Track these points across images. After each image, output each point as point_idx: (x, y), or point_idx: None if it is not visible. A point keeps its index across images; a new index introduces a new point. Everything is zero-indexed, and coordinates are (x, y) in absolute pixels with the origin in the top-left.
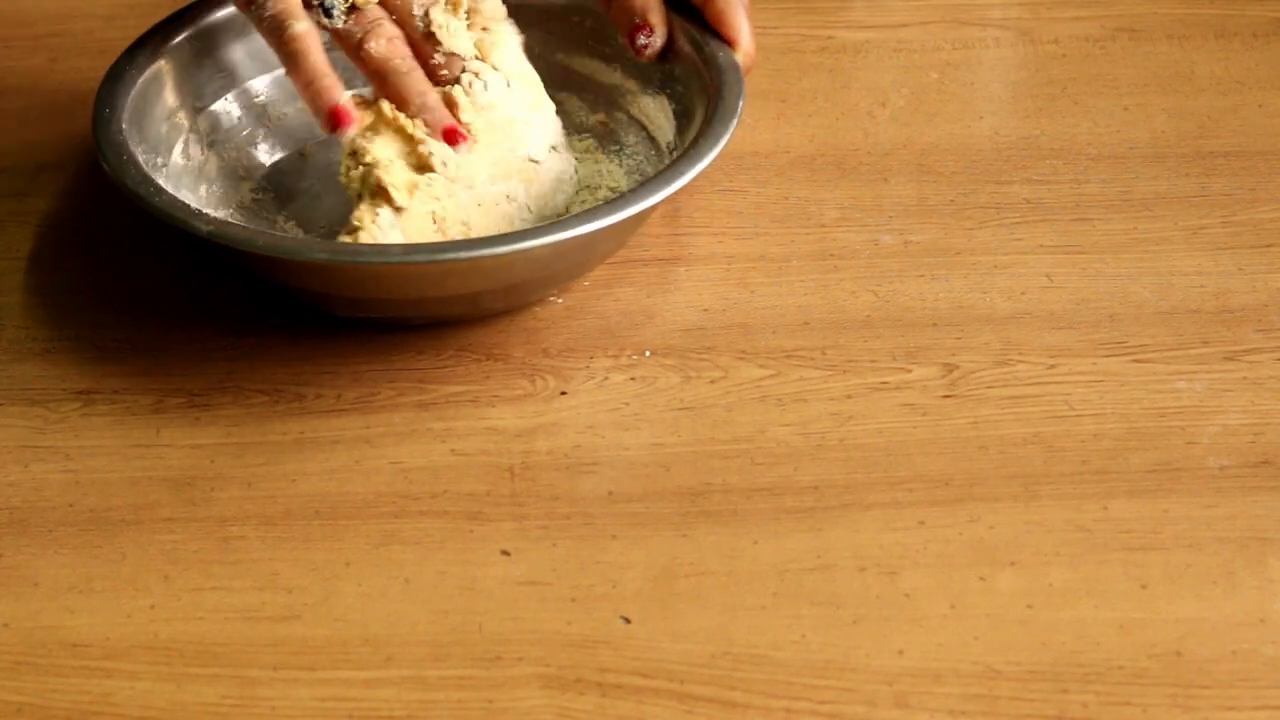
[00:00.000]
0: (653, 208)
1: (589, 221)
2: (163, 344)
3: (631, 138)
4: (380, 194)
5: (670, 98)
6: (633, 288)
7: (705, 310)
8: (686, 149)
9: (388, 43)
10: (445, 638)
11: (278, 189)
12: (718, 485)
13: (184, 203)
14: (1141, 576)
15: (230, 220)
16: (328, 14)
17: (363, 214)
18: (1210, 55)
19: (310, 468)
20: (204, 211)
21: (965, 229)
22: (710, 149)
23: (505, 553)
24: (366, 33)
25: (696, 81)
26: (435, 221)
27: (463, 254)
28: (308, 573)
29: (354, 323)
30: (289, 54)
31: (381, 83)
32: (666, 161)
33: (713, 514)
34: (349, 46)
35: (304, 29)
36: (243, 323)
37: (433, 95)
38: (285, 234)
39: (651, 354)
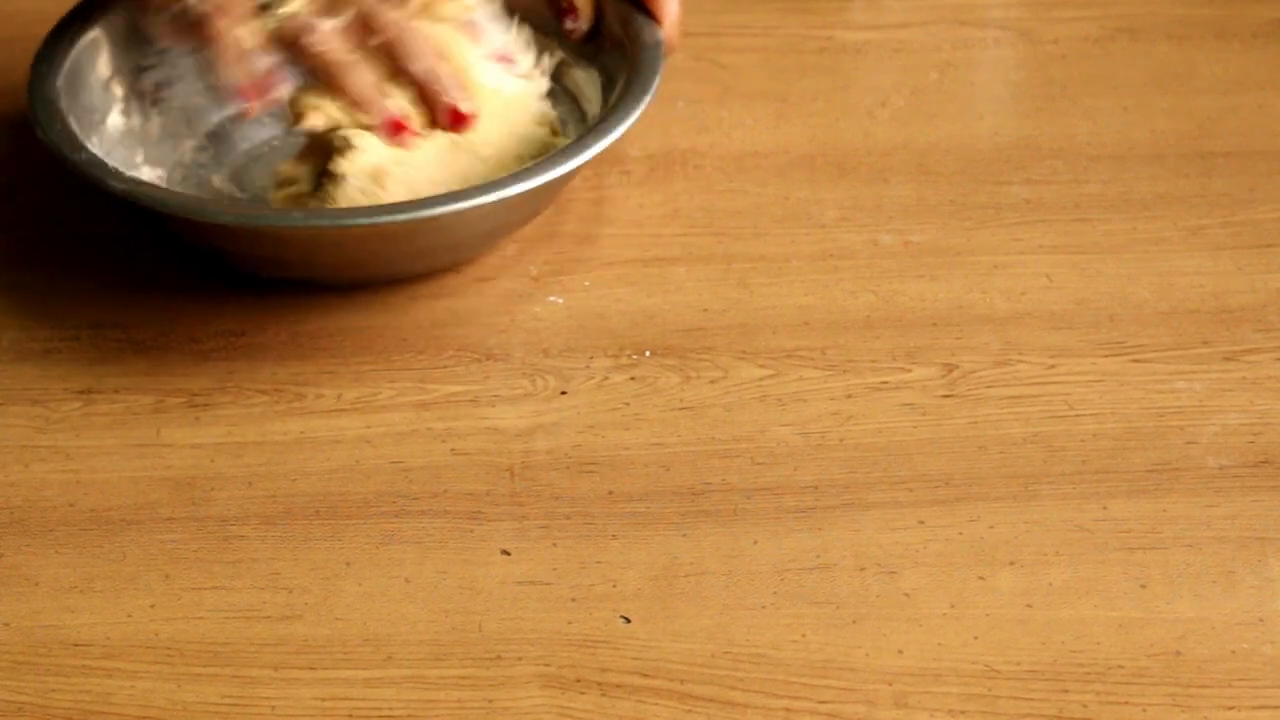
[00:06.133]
0: (556, 180)
1: (482, 195)
2: (163, 343)
3: (563, 110)
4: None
5: (600, 71)
6: (633, 288)
7: (705, 310)
8: (594, 126)
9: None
10: (445, 637)
11: (218, 148)
12: (718, 485)
13: (102, 160)
14: (1141, 576)
15: (157, 182)
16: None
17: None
18: (1210, 55)
19: (310, 467)
20: (122, 171)
21: (965, 229)
22: (617, 125)
23: (505, 552)
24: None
25: (621, 57)
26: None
27: (362, 220)
28: (308, 572)
29: (353, 322)
30: (323, 65)
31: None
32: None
33: (713, 514)
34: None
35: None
36: (243, 322)
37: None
38: (195, 195)
39: (651, 354)
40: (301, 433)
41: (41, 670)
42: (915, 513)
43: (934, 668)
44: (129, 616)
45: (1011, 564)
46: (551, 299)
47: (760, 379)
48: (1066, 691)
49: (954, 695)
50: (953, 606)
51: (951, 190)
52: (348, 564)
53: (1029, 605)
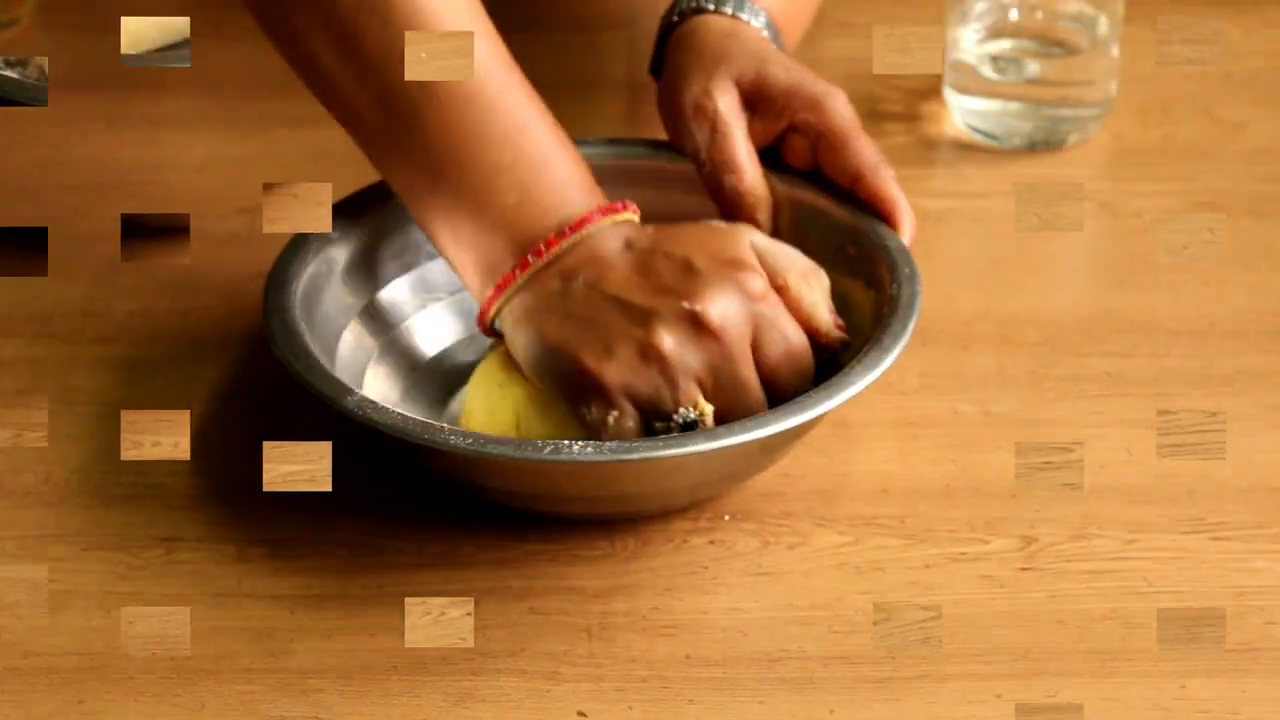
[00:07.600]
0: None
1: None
2: (246, 493)
3: None
4: None
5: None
6: None
7: (785, 475)
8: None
9: None
10: None
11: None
12: (795, 652)
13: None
14: None
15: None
16: (687, 427)
17: None
18: None
19: (389, 622)
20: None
21: (1045, 400)
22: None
23: (582, 714)
24: None
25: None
26: None
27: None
28: None
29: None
30: None
31: None
32: None
33: (789, 681)
34: None
35: None
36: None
37: None
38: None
39: (730, 517)
40: (380, 586)
41: None
42: (992, 686)
43: None
44: None
45: None
46: None
47: (839, 546)
48: None
49: None
50: None
51: (1031, 361)
52: None
53: None
